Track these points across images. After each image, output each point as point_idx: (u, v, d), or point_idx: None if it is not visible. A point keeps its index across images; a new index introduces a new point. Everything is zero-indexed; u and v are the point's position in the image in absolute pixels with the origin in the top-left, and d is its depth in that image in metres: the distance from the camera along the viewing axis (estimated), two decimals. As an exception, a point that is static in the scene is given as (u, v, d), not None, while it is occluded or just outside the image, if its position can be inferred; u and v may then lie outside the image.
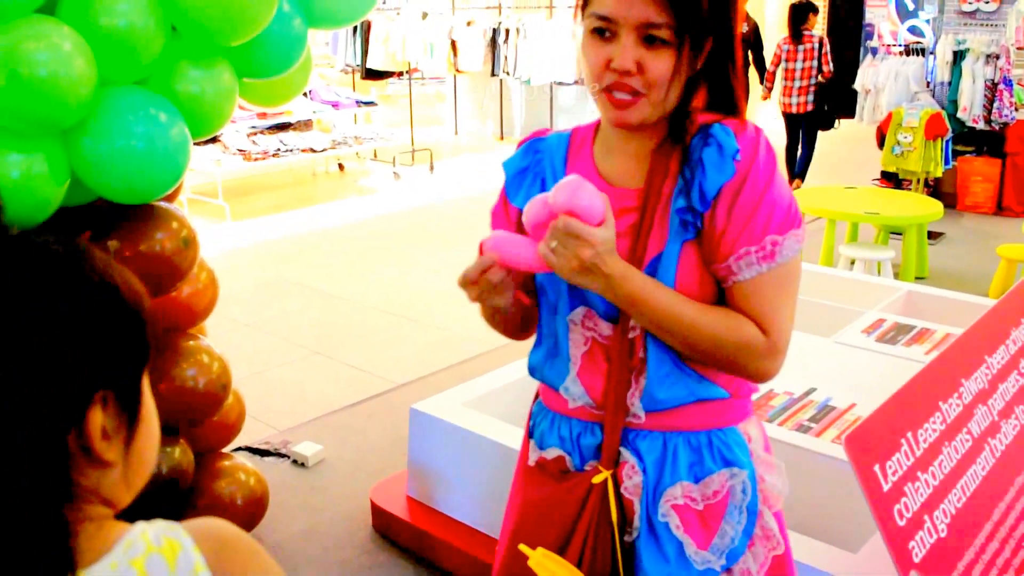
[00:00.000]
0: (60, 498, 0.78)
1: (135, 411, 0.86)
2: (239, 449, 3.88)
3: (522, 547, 1.51)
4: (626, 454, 1.45)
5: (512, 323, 1.55)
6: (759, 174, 1.33)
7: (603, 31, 1.33)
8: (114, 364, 0.82)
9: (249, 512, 3.20)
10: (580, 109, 11.32)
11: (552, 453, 1.56)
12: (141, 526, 0.86)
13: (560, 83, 10.79)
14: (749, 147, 1.34)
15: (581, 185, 1.28)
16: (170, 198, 2.85)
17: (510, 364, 3.51)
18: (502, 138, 11.94)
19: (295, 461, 3.86)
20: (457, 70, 10.84)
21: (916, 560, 1.94)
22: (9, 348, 0.75)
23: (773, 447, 1.62)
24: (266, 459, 3.88)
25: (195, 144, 2.52)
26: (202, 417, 2.96)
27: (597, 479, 1.46)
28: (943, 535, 2.06)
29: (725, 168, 1.33)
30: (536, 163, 1.52)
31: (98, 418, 0.81)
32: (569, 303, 1.45)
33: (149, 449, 0.88)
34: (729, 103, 1.41)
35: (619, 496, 1.47)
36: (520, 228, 1.48)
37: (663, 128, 1.41)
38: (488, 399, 3.23)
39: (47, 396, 0.77)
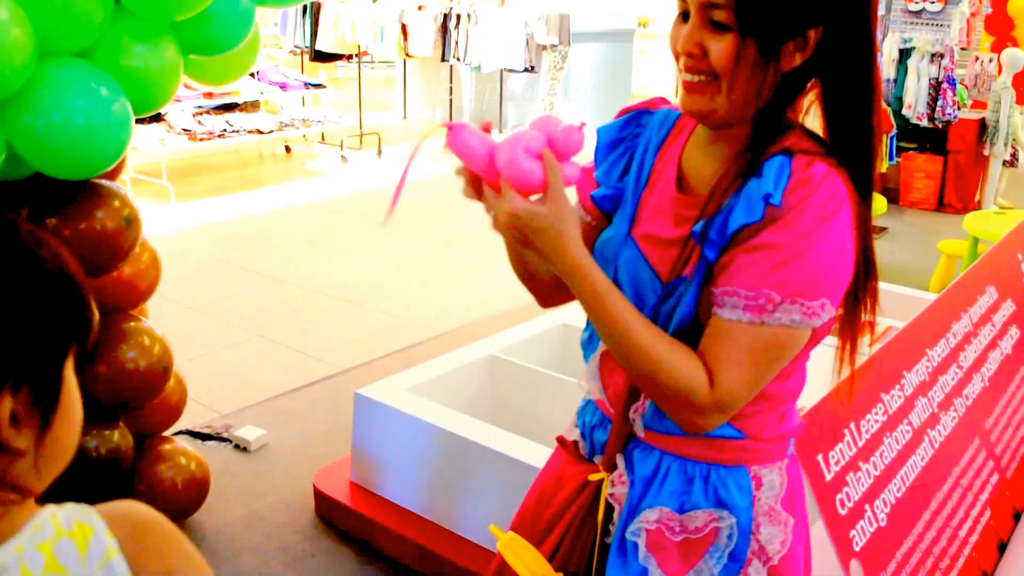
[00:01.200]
0: None
1: (53, 399, 0.79)
2: (180, 433, 3.82)
3: (492, 528, 1.50)
4: (620, 462, 1.41)
5: (541, 285, 1.46)
6: (797, 223, 1.17)
7: (684, 13, 1.25)
8: (33, 349, 0.76)
9: (190, 496, 3.16)
10: (530, 97, 11.26)
11: (572, 434, 1.55)
12: (51, 509, 0.81)
13: (510, 70, 10.71)
14: (800, 193, 1.18)
15: (517, 151, 1.15)
16: (112, 175, 2.79)
17: (455, 350, 3.47)
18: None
19: (237, 446, 3.83)
20: (407, 55, 10.79)
21: (856, 549, 1.99)
22: None
23: None
24: (208, 443, 3.84)
25: (139, 123, 2.46)
26: (143, 400, 2.90)
27: (593, 477, 1.44)
28: (883, 524, 2.12)
29: (753, 209, 1.20)
30: (633, 136, 1.43)
31: (7, 405, 0.75)
32: None
33: (67, 436, 0.82)
34: (838, 132, 1.24)
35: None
36: (600, 205, 1.42)
37: (747, 139, 1.28)
38: (433, 385, 3.20)
39: None
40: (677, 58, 1.24)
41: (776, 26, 1.17)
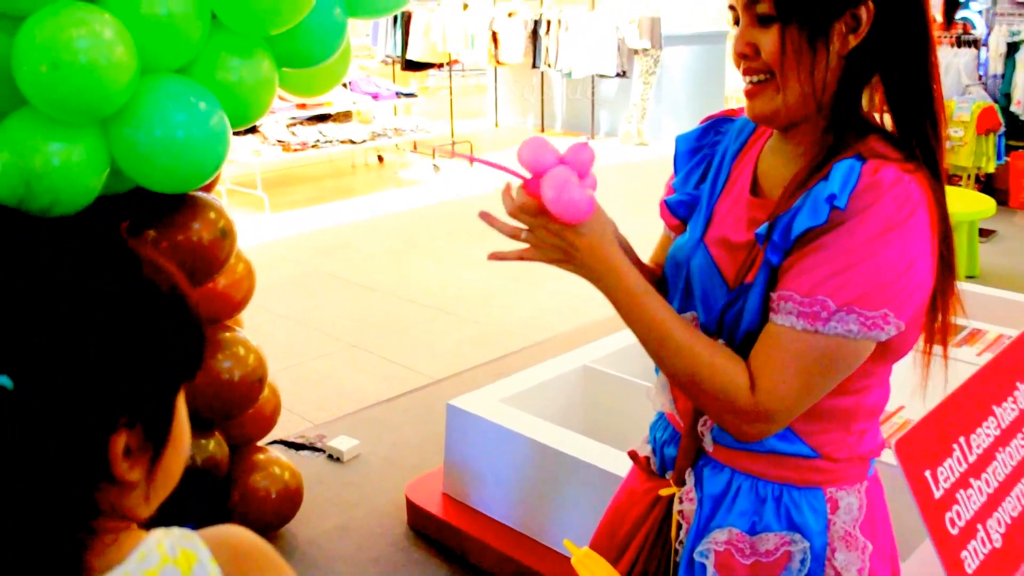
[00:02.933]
0: (74, 517, 0.73)
1: (166, 432, 0.80)
2: (275, 442, 3.84)
3: (567, 543, 1.49)
4: (689, 478, 1.38)
5: None
6: (861, 229, 1.13)
7: (737, 20, 1.26)
8: (151, 386, 0.76)
9: (284, 506, 3.16)
10: (622, 102, 11.12)
11: (644, 449, 1.54)
12: (156, 535, 0.81)
13: (602, 76, 10.60)
14: (867, 197, 1.13)
15: (565, 183, 1.14)
16: (208, 188, 2.83)
17: (548, 361, 3.44)
18: (543, 130, 11.76)
19: (330, 456, 3.83)
20: (498, 62, 10.77)
21: (969, 571, 1.90)
22: (35, 355, 0.68)
23: None
24: (301, 453, 3.85)
25: (234, 134, 2.49)
26: (238, 410, 2.93)
27: (664, 492, 1.42)
28: (997, 545, 2.00)
29: (818, 211, 1.15)
30: (712, 144, 1.42)
31: (121, 441, 0.75)
32: (679, 302, 1.36)
33: (176, 464, 0.83)
34: (902, 120, 1.21)
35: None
36: (675, 211, 1.42)
37: (820, 139, 1.25)
38: (526, 396, 3.16)
39: (71, 414, 0.70)
40: (738, 66, 1.24)
41: (815, 7, 1.15)
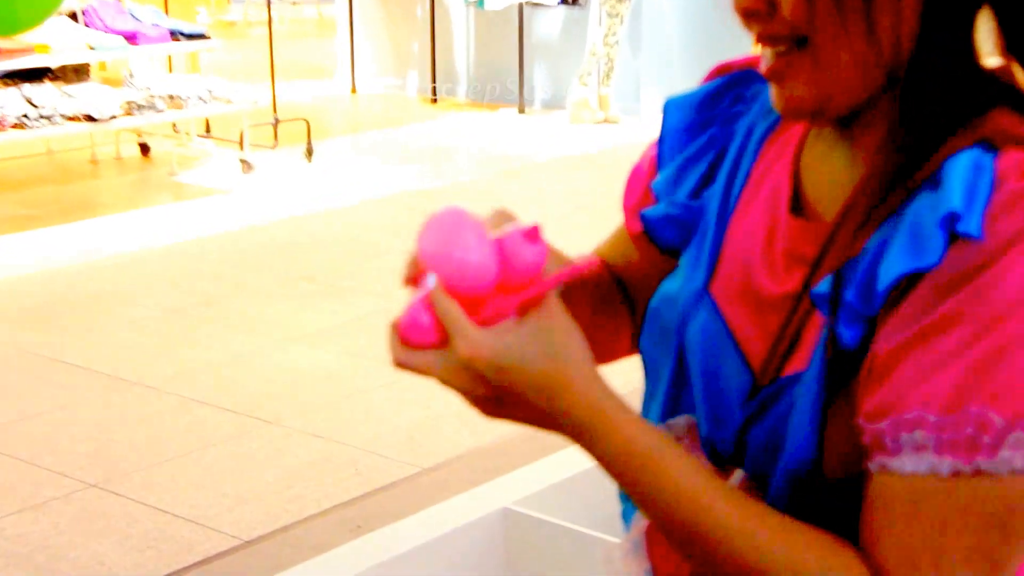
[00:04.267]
0: None
1: None
2: None
3: None
4: None
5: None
6: (1018, 275, 0.77)
7: None
8: None
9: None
10: (572, 50, 9.00)
11: None
12: None
13: (535, 3, 8.73)
14: (1017, 214, 0.78)
15: (458, 228, 0.85)
16: None
17: (446, 502, 2.98)
18: (435, 100, 9.66)
19: None
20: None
21: None
22: None
23: None
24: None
25: None
26: None
27: None
28: None
29: (927, 243, 0.78)
30: (726, 119, 1.05)
31: None
32: (664, 398, 1.00)
33: None
34: None
35: None
36: (659, 234, 1.07)
37: (896, 125, 0.90)
38: (408, 563, 2.71)
39: None
40: (748, 28, 0.93)
41: None
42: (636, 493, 0.87)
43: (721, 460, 0.91)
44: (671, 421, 0.99)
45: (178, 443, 4.14)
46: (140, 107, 7.14)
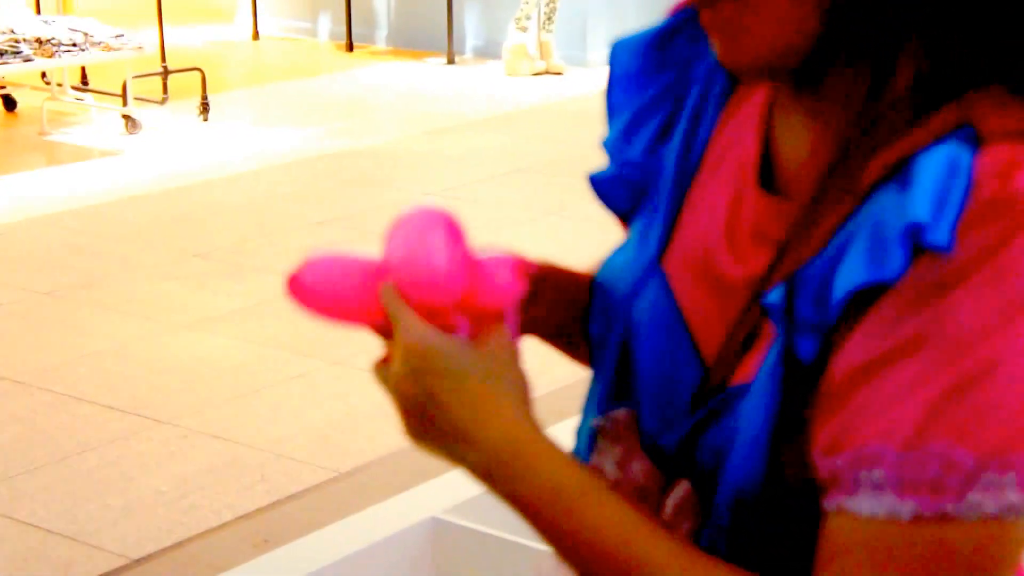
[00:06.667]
0: None
1: None
2: None
3: None
4: None
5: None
6: (996, 296, 0.76)
7: None
8: None
9: None
10: None
11: None
12: None
13: None
14: (995, 226, 0.76)
15: (426, 230, 0.89)
16: None
17: (367, 510, 2.84)
18: (351, 48, 9.14)
19: None
20: None
21: None
22: None
23: None
24: None
25: None
26: None
27: None
28: None
29: (885, 254, 0.78)
30: (685, 63, 1.03)
31: None
32: (603, 383, 1.01)
33: None
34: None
35: None
36: (608, 197, 1.07)
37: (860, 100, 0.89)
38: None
39: None
40: None
41: None
42: (556, 537, 0.90)
43: (666, 461, 0.92)
44: (610, 413, 0.99)
45: (52, 447, 3.92)
46: (2, 53, 6.72)
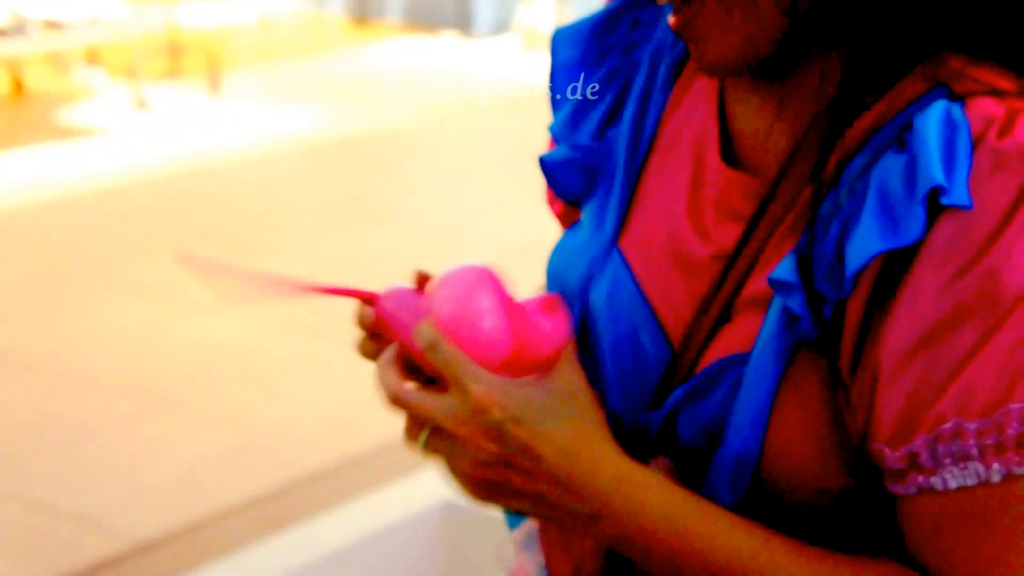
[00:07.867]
0: None
1: None
2: None
3: None
4: None
5: None
6: (1021, 248, 0.77)
7: None
8: None
9: None
10: None
11: None
12: None
13: None
14: (1004, 176, 0.77)
15: (475, 290, 0.87)
16: None
17: (375, 496, 2.92)
18: (362, 23, 9.58)
19: None
20: None
21: None
22: None
23: None
24: None
25: None
26: None
27: None
28: None
29: (900, 220, 0.78)
30: (628, 46, 1.03)
31: None
32: None
33: None
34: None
35: None
36: (559, 182, 1.05)
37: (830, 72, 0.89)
38: (334, 567, 2.68)
39: None
40: None
41: None
42: (676, 564, 0.87)
43: (636, 443, 0.90)
44: None
45: (61, 430, 3.96)
46: (9, 33, 6.95)
